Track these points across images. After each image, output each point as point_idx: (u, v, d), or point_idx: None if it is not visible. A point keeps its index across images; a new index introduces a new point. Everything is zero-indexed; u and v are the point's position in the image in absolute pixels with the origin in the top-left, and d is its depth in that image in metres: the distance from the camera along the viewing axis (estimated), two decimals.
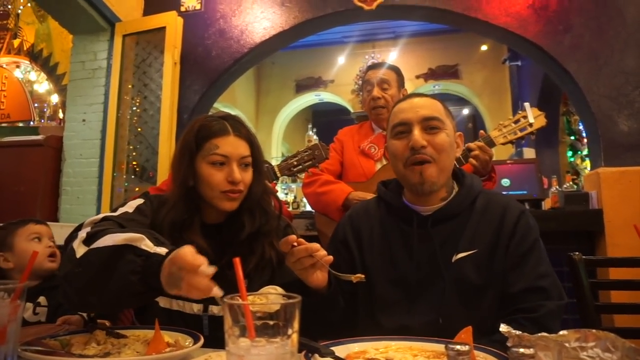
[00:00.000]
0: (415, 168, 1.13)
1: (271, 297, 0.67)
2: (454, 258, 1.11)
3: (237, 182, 1.14)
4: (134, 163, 3.43)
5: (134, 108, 3.50)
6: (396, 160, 1.18)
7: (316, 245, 0.99)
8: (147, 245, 0.86)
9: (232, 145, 1.16)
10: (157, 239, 0.90)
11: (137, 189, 3.36)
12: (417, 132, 1.14)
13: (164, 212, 1.15)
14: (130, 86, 3.54)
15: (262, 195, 1.23)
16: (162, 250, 0.85)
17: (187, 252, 0.78)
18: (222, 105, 6.16)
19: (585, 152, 5.19)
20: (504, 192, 2.74)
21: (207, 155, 1.14)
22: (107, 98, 3.53)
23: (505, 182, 2.91)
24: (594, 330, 0.61)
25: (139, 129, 3.47)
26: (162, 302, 1.14)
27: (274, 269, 1.19)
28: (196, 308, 1.13)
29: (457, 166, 1.23)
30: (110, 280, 0.86)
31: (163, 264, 0.81)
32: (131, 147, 3.46)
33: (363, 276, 1.00)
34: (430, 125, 1.15)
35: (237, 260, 0.68)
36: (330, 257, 1.00)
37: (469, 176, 1.24)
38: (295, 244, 0.99)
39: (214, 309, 1.13)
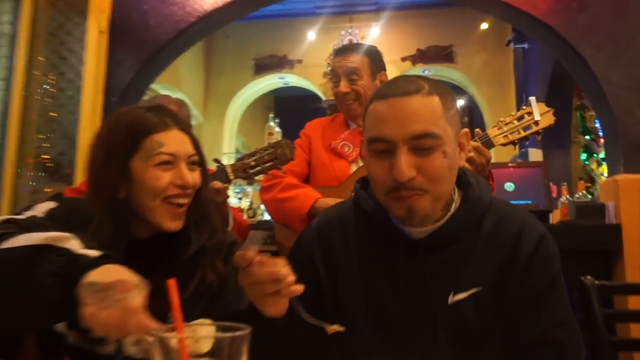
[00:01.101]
0: (402, 201, 1.03)
1: (201, 332, 0.66)
2: (451, 299, 1.06)
3: (188, 185, 1.13)
4: (45, 157, 3.33)
5: (47, 87, 3.40)
6: (376, 185, 1.09)
7: (284, 270, 0.92)
8: (72, 245, 0.86)
9: (178, 142, 1.15)
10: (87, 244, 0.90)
11: (48, 189, 3.26)
12: (403, 159, 0.99)
13: (88, 235, 1.11)
14: (42, 59, 3.43)
15: (209, 201, 1.23)
16: (92, 253, 0.84)
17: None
18: (162, 87, 6.07)
19: (602, 155, 5.35)
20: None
21: (150, 157, 1.12)
22: (10, 73, 3.42)
23: (510, 186, 2.96)
24: None
25: (53, 114, 3.38)
26: (73, 335, 1.10)
27: (213, 298, 1.16)
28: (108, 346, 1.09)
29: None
30: (21, 287, 0.84)
31: (90, 271, 0.80)
32: (42, 137, 3.36)
33: (342, 329, 0.96)
34: (421, 145, 1.00)
35: (172, 282, 0.68)
36: (300, 288, 0.93)
37: (475, 183, 1.14)
38: (255, 260, 0.91)
39: (132, 348, 1.08)
